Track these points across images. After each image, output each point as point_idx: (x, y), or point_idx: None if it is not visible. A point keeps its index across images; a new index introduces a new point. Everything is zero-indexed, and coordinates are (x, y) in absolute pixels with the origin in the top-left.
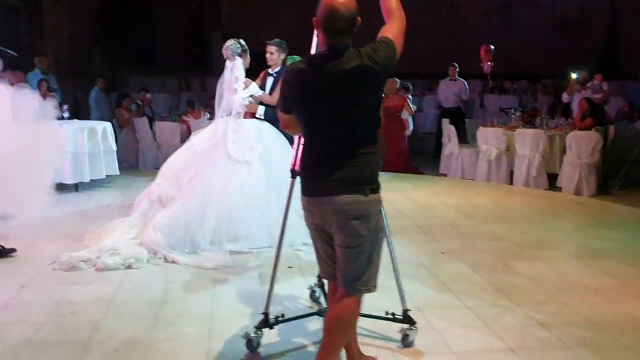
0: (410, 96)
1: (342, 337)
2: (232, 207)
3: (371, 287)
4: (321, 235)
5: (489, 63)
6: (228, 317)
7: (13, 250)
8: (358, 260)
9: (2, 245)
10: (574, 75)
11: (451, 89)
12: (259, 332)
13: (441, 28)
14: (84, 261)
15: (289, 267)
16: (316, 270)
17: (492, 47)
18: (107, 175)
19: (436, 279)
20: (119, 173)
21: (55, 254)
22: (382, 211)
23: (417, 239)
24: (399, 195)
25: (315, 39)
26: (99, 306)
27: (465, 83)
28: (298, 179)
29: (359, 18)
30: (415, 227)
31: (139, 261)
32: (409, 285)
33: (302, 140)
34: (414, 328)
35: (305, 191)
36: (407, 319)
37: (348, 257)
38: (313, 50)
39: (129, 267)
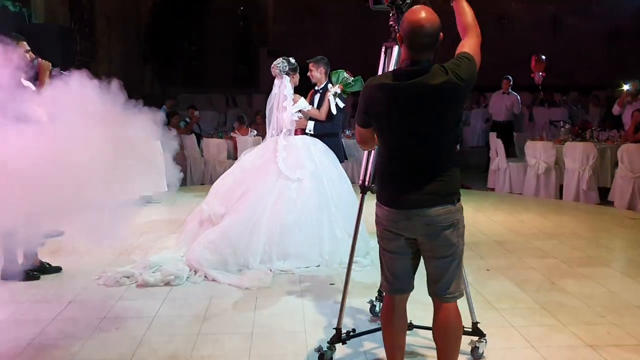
0: None
1: (459, 344)
2: (282, 224)
3: (462, 292)
4: (398, 249)
5: (540, 73)
6: (270, 334)
7: (58, 269)
8: (450, 269)
9: (49, 263)
10: (625, 87)
11: (503, 102)
12: (332, 347)
13: (489, 40)
14: (127, 277)
15: (331, 284)
16: (360, 290)
17: (544, 57)
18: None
19: (481, 297)
20: (166, 189)
21: (102, 269)
22: None
23: (463, 256)
24: None
25: (382, 56)
26: (143, 322)
27: (518, 97)
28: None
29: (441, 34)
30: None
31: (179, 278)
32: None
33: (379, 153)
34: (483, 340)
35: (388, 203)
36: (476, 331)
37: (440, 267)
38: (387, 67)
39: (167, 284)
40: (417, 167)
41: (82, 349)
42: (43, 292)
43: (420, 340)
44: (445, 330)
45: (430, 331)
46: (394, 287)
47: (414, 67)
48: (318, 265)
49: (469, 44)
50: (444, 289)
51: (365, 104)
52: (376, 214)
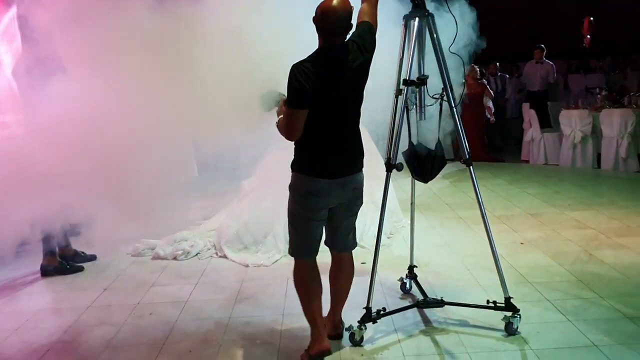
0: (484, 80)
1: (350, 286)
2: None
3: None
4: (322, 216)
5: (588, 36)
6: (301, 315)
7: (94, 257)
8: (355, 223)
9: (83, 251)
10: None
11: (538, 72)
12: (363, 327)
13: (520, 8)
14: (151, 249)
15: (362, 263)
16: (391, 265)
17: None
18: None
19: (514, 270)
20: (196, 174)
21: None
22: None
23: (495, 230)
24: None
25: (403, 29)
26: (176, 307)
27: (553, 65)
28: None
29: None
30: (493, 217)
31: (186, 254)
32: (485, 278)
33: (308, 130)
34: (517, 315)
35: (324, 174)
36: (509, 306)
37: (351, 223)
38: (409, 40)
39: (175, 258)
40: (341, 139)
41: (117, 335)
42: (79, 281)
43: (453, 317)
44: (347, 275)
45: (463, 307)
46: (314, 249)
47: (336, 50)
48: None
49: (367, 10)
50: (352, 242)
51: (305, 83)
52: (303, 187)
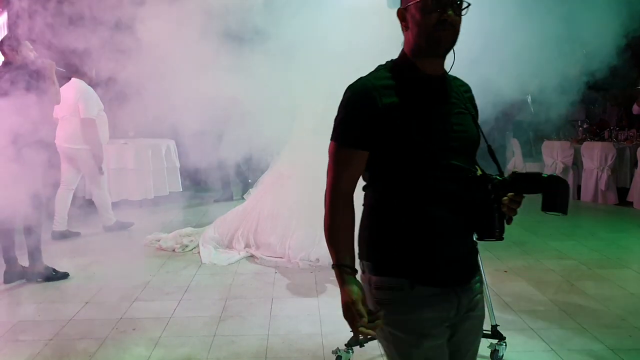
0: None
1: None
2: (262, 216)
3: None
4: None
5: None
6: (286, 336)
7: (66, 275)
8: None
9: (55, 269)
10: None
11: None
12: (350, 350)
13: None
14: (157, 240)
15: None
16: None
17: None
18: (170, 192)
19: (499, 298)
20: (181, 189)
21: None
22: None
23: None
24: None
25: None
26: (160, 323)
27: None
28: None
29: None
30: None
31: (183, 247)
32: None
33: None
34: (503, 343)
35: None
36: (495, 334)
37: None
38: None
39: (173, 250)
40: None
41: (99, 350)
42: (60, 293)
43: None
44: None
45: None
46: None
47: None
48: (280, 257)
49: None
50: None
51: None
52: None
